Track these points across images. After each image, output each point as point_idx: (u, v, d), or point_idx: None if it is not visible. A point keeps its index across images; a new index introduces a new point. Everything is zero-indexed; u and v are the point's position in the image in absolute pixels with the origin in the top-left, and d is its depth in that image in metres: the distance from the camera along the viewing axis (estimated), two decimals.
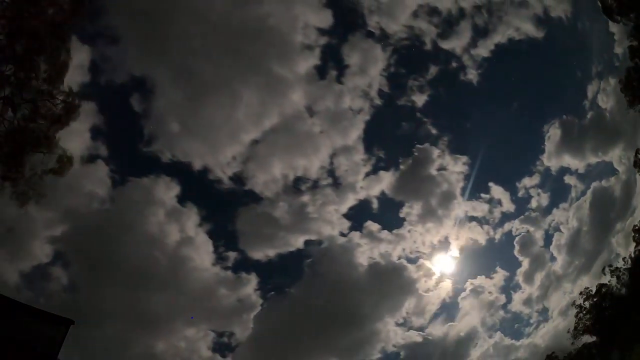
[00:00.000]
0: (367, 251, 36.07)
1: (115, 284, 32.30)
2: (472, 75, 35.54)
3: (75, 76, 29.47)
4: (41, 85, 18.40)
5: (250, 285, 34.78)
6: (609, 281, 30.36)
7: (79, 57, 28.89)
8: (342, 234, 35.86)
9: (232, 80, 35.34)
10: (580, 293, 31.41)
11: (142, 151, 33.43)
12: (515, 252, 36.51)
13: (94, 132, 30.57)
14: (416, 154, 36.90)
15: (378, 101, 35.66)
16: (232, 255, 35.11)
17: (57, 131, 19.04)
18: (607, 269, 30.61)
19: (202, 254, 34.73)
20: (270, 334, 34.75)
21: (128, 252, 32.87)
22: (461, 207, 36.61)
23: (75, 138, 29.74)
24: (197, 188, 34.91)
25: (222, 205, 36.35)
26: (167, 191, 33.70)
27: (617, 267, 30.30)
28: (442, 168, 36.08)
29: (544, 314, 33.81)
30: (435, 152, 36.28)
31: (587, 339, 30.42)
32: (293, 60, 35.27)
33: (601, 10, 26.27)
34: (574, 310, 30.52)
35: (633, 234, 29.69)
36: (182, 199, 33.74)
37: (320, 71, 35.08)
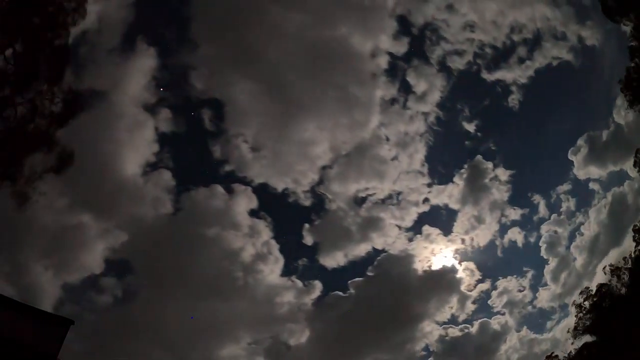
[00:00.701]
0: (422, 255, 39.54)
1: (177, 294, 33.41)
2: (515, 99, 40.03)
3: (147, 83, 30.83)
4: (41, 85, 18.45)
5: (314, 290, 36.86)
6: (609, 281, 30.44)
7: (153, 62, 31.34)
8: (406, 239, 39.26)
9: (311, 99, 37.51)
10: (581, 293, 31.51)
11: (210, 162, 34.99)
12: (543, 252, 40.04)
13: (162, 140, 32.18)
14: (469, 169, 41.13)
15: (437, 124, 39.96)
16: (299, 263, 37.56)
17: (57, 130, 19.09)
18: (607, 269, 30.70)
19: (269, 262, 36.23)
20: (326, 334, 36.94)
21: (192, 261, 33.90)
22: (505, 212, 41.10)
23: (143, 146, 31.52)
24: (268, 200, 36.42)
25: (291, 216, 38.56)
26: (237, 202, 35.24)
27: (617, 267, 30.35)
28: (493, 178, 40.62)
29: (565, 309, 36.37)
30: (487, 165, 40.48)
31: (587, 339, 30.50)
32: (368, 84, 37.89)
33: (601, 10, 26.36)
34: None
35: (633, 234, 29.77)
36: (254, 212, 35.62)
37: (391, 96, 38.82)
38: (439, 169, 41.73)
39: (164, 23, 33.24)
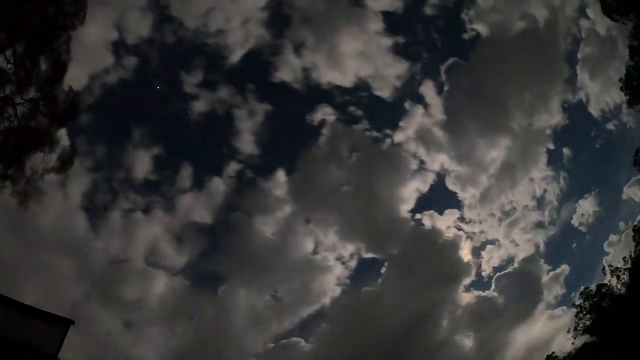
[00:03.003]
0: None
1: None
2: None
3: None
4: (41, 85, 18.44)
5: None
6: (609, 281, 30.41)
7: None
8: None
9: None
10: (581, 293, 31.50)
11: None
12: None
13: None
14: None
15: None
16: None
17: (58, 130, 19.11)
18: (607, 269, 30.69)
19: None
20: None
21: None
22: None
23: None
24: None
25: None
26: None
27: (617, 267, 30.33)
28: None
29: None
30: None
31: (587, 339, 30.45)
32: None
33: (601, 10, 26.32)
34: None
35: (633, 234, 29.73)
36: None
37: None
38: None
39: None
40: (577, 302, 31.36)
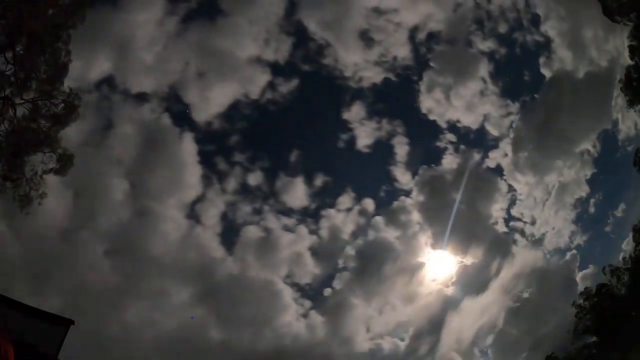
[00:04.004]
0: None
1: None
2: None
3: None
4: (41, 85, 18.48)
5: None
6: (609, 281, 30.39)
7: None
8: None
9: None
10: (581, 293, 31.49)
11: None
12: None
13: None
14: None
15: None
16: None
17: (58, 131, 19.12)
18: (607, 269, 30.66)
19: None
20: None
21: None
22: None
23: None
24: None
25: None
26: None
27: (617, 267, 30.31)
28: None
29: None
30: None
31: (587, 339, 30.45)
32: None
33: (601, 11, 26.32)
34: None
35: (633, 234, 29.73)
36: None
37: None
38: None
39: None
40: (577, 302, 31.37)
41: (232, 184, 37.62)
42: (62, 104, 18.91)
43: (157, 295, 34.28)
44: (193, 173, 36.53)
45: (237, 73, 38.05)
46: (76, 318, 16.29)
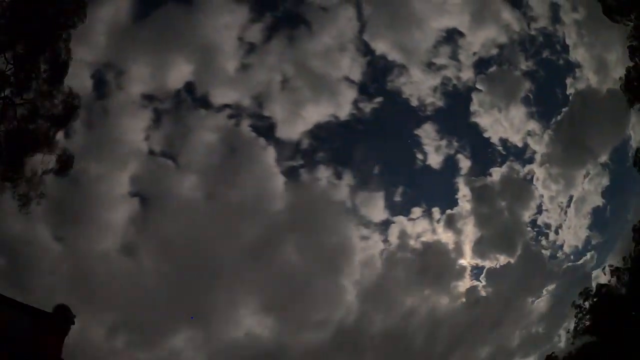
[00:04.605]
0: None
1: None
2: None
3: None
4: (41, 85, 18.45)
5: None
6: (609, 281, 30.36)
7: None
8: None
9: None
10: (580, 293, 31.42)
11: None
12: None
13: None
14: None
15: None
16: None
17: (58, 131, 19.11)
18: (607, 269, 30.65)
19: None
20: None
21: None
22: None
23: None
24: None
25: None
26: None
27: (617, 267, 30.26)
28: None
29: None
30: None
31: (587, 339, 30.41)
32: None
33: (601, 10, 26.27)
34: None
35: (633, 234, 29.66)
36: None
37: None
38: None
39: None
40: (577, 302, 31.35)
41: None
42: (62, 104, 18.90)
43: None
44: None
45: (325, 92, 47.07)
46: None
